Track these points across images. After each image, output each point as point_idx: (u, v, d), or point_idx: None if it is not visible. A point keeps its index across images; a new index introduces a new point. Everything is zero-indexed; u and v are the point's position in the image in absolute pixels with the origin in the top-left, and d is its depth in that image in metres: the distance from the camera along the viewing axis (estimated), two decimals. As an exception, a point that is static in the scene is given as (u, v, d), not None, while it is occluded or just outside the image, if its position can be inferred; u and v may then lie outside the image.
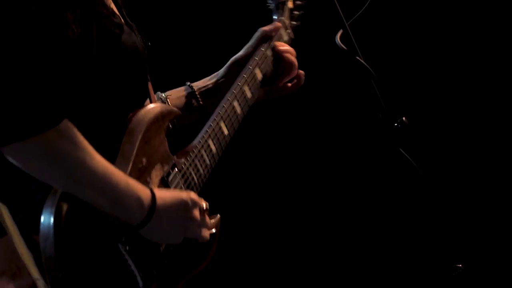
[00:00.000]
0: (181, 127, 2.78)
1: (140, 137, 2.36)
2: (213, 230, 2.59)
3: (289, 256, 4.77)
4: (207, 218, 2.44)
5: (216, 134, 2.60)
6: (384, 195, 4.69)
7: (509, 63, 4.62)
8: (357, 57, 2.80)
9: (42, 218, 2.16)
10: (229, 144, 2.68)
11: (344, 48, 2.96)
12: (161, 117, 2.43)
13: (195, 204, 2.39)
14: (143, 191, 2.29)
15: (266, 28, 2.90)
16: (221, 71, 2.87)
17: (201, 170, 2.55)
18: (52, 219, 2.15)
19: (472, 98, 4.66)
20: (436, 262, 4.39)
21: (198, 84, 2.86)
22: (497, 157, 4.66)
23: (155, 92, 2.77)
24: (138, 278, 2.30)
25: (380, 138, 2.77)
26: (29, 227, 2.19)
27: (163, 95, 2.81)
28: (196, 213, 2.39)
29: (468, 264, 2.64)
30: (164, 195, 2.35)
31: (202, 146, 2.56)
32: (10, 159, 2.15)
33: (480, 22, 4.62)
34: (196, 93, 2.83)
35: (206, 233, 2.44)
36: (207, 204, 2.45)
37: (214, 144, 2.60)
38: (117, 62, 2.37)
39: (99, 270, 2.23)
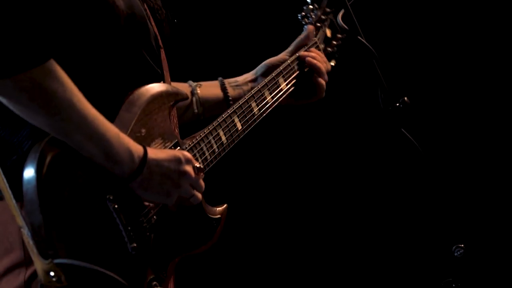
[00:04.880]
0: (208, 118, 2.89)
1: (141, 108, 2.38)
2: (218, 216, 2.61)
3: (295, 253, 4.78)
4: (201, 180, 2.44)
5: (228, 126, 2.68)
6: (387, 176, 4.69)
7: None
8: (359, 37, 2.80)
9: (27, 161, 2.15)
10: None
11: (345, 28, 2.96)
12: (165, 94, 2.46)
13: (188, 160, 2.39)
14: (134, 145, 2.29)
15: (302, 35, 3.06)
16: (254, 70, 3.01)
17: (207, 155, 2.58)
18: (36, 162, 2.14)
19: (473, 77, 4.66)
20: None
21: (230, 80, 2.99)
22: (500, 138, 4.66)
23: (186, 81, 2.91)
24: (126, 239, 2.28)
25: (382, 118, 2.76)
26: (17, 176, 2.17)
27: (193, 83, 2.92)
28: (189, 168, 2.39)
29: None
30: (156, 150, 2.35)
31: (210, 132, 2.61)
32: None
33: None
34: (226, 86, 2.96)
35: (198, 195, 2.43)
36: (202, 167, 2.45)
37: (225, 135, 2.66)
38: (103, 19, 2.35)
39: (84, 221, 2.20)
